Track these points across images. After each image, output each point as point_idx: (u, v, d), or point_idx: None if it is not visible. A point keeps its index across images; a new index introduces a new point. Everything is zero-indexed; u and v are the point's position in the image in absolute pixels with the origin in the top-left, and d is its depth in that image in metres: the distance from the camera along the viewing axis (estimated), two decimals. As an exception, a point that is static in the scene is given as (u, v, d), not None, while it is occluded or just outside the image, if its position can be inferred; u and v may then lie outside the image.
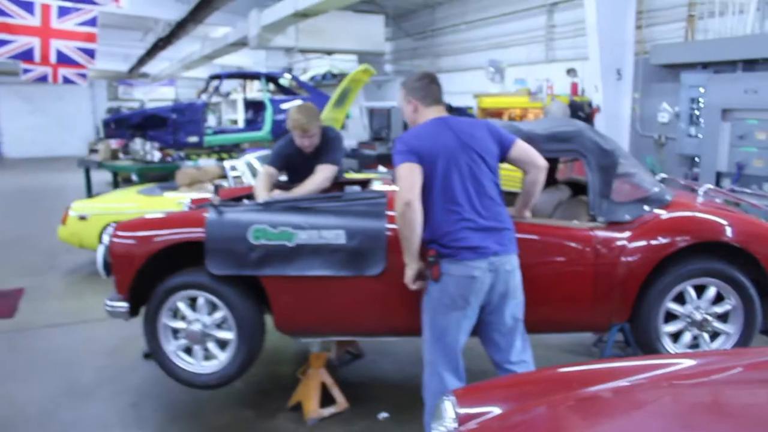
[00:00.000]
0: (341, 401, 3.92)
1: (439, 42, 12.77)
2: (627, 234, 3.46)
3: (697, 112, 7.01)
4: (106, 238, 3.69)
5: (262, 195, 4.08)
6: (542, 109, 8.07)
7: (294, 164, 4.46)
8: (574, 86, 8.31)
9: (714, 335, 3.65)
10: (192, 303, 3.68)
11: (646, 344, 3.57)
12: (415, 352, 4.86)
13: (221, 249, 3.46)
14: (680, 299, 3.59)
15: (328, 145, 4.39)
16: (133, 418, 3.90)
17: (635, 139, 7.95)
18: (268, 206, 3.61)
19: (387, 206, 3.53)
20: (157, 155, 10.45)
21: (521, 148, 3.15)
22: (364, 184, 4.48)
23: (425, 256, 3.02)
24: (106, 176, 12.87)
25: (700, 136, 6.93)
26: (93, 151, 12.20)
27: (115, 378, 4.45)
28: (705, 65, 7.03)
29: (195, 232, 3.54)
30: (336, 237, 3.41)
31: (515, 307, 3.07)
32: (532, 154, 3.17)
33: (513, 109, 9.08)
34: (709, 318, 3.55)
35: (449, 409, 2.12)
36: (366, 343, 4.86)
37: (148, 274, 3.69)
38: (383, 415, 3.87)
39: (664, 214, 3.57)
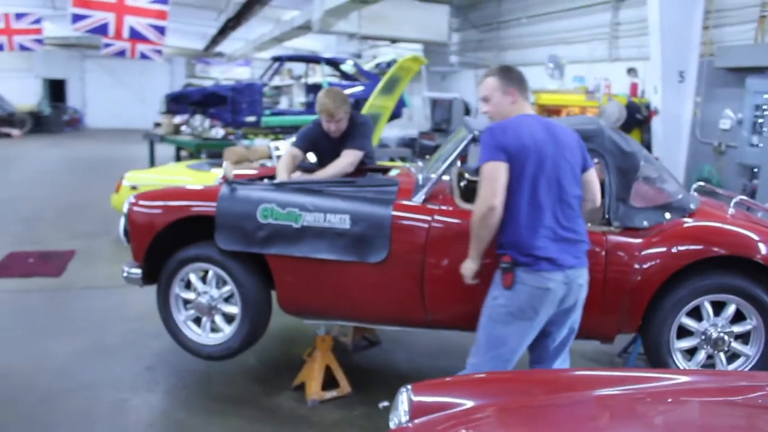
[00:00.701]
0: (344, 385, 3.94)
1: (505, 35, 12.54)
2: (642, 241, 3.31)
3: (761, 120, 6.62)
4: (126, 207, 3.82)
5: (281, 175, 4.12)
6: (598, 108, 7.81)
7: (321, 148, 4.49)
8: (634, 87, 8.00)
9: (733, 356, 3.46)
10: (204, 276, 3.77)
11: (656, 358, 3.42)
12: (431, 344, 4.86)
13: (230, 225, 3.53)
14: (699, 314, 3.42)
15: (355, 131, 4.39)
16: (144, 381, 4.06)
17: (694, 145, 7.59)
18: (280, 186, 3.65)
19: (396, 195, 3.51)
20: (220, 132, 10.75)
21: (593, 177, 3.03)
22: (386, 172, 4.46)
23: (495, 259, 2.90)
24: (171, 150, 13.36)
25: (761, 145, 6.55)
26: (157, 125, 12.65)
27: (138, 342, 4.64)
28: (774, 70, 6.63)
29: (208, 206, 3.61)
30: (340, 221, 3.41)
31: (576, 320, 2.98)
32: (596, 187, 3.05)
33: (571, 107, 8.84)
34: (726, 337, 3.36)
35: (404, 401, 2.10)
36: (383, 331, 4.86)
37: (168, 243, 3.80)
38: (384, 403, 3.78)
39: (685, 222, 3.40)
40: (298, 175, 4.21)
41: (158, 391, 3.95)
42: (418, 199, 3.48)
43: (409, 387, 2.14)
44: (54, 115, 24.35)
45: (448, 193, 3.54)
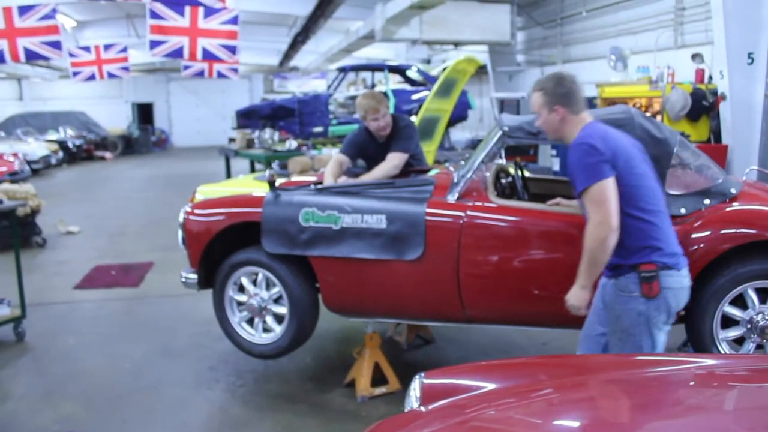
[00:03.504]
0: (393, 382, 4.05)
1: (569, 30, 12.30)
2: (678, 228, 3.23)
3: (838, 100, 6.23)
4: (181, 216, 4.09)
5: (328, 181, 4.29)
6: (661, 98, 7.56)
7: (367, 153, 4.63)
8: (700, 73, 7.68)
9: (785, 345, 3.32)
10: (255, 279, 3.98)
11: (701, 348, 3.33)
12: (483, 342, 4.89)
13: (275, 229, 3.72)
14: (743, 302, 3.30)
15: (399, 134, 4.50)
16: (206, 379, 4.32)
17: (768, 130, 7.21)
18: (321, 191, 3.81)
19: (431, 193, 3.59)
20: (293, 144, 11.13)
21: None
22: (426, 173, 4.54)
23: (625, 270, 2.69)
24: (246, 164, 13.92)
25: (838, 127, 6.16)
26: (232, 140, 13.21)
27: (203, 345, 4.93)
28: None
29: (255, 212, 3.82)
30: (377, 221, 3.54)
31: None
32: None
33: (638, 98, 8.58)
34: (774, 325, 3.23)
35: (416, 387, 2.19)
36: (437, 329, 4.94)
37: (223, 249, 4.04)
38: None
39: (724, 207, 3.30)
40: (344, 180, 4.37)
41: (218, 389, 4.19)
42: (452, 196, 3.55)
43: (422, 374, 2.23)
44: (143, 136, 25.88)
45: (482, 190, 3.59)
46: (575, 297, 2.77)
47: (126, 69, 17.55)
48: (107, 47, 16.73)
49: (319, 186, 3.94)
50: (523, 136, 3.49)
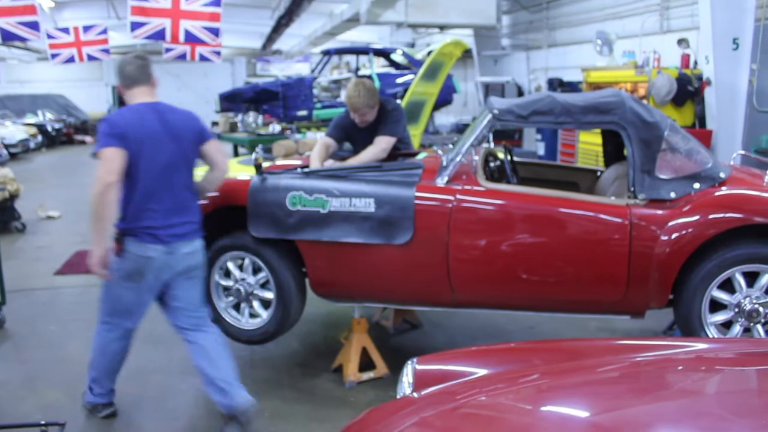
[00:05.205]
0: (381, 367, 4.03)
1: (555, 14, 12.27)
2: (667, 212, 3.24)
3: (821, 85, 6.27)
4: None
5: (314, 164, 4.23)
6: (647, 82, 7.57)
7: (354, 136, 4.58)
8: (685, 58, 7.69)
9: (773, 327, 3.34)
10: (241, 263, 3.93)
11: (689, 332, 3.34)
12: (470, 326, 4.89)
13: (261, 213, 3.66)
14: (731, 287, 3.32)
15: (386, 117, 4.45)
16: (192, 366, 4.25)
17: (752, 114, 7.24)
18: (308, 174, 3.76)
19: (420, 177, 3.56)
20: (277, 128, 11.02)
21: (212, 147, 3.41)
22: (414, 157, 4.50)
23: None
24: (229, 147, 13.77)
25: (821, 112, 6.20)
26: (215, 123, 13.07)
27: (188, 330, 4.86)
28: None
29: (241, 197, 3.76)
30: (366, 205, 3.49)
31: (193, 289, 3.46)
32: (217, 157, 3.42)
33: (623, 83, 8.59)
34: (761, 309, 3.25)
35: (409, 373, 2.17)
36: (423, 313, 4.93)
37: (209, 234, 3.96)
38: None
39: (714, 191, 3.30)
40: (330, 164, 4.31)
41: (204, 374, 4.14)
42: (441, 180, 3.52)
43: (414, 359, 2.21)
44: (124, 120, 25.39)
45: (472, 174, 3.56)
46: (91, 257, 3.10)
47: (106, 51, 17.23)
48: (87, 29, 16.40)
49: (306, 169, 3.88)
50: (513, 119, 3.46)
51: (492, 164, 4.23)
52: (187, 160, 3.30)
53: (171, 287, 3.32)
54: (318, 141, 4.61)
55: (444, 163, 3.61)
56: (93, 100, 26.22)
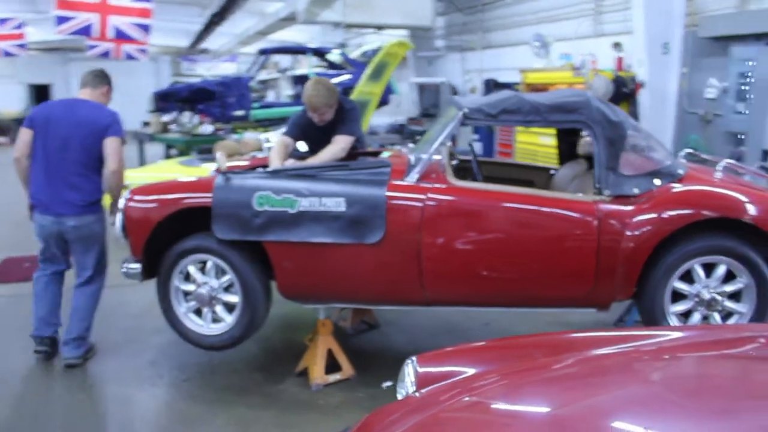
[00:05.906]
0: (347, 368, 3.98)
1: (489, 16, 12.51)
2: (632, 208, 3.36)
3: (746, 88, 6.65)
4: (122, 203, 3.84)
5: (275, 164, 4.15)
6: (584, 84, 7.83)
7: (311, 135, 4.51)
8: (620, 61, 8.02)
9: (727, 315, 3.51)
10: (202, 267, 3.80)
11: (652, 323, 3.48)
12: (428, 324, 4.90)
13: (227, 214, 3.55)
14: (690, 278, 3.47)
15: (345, 116, 4.41)
16: (148, 375, 4.09)
17: (682, 116, 7.61)
18: (274, 174, 3.67)
19: (389, 175, 3.54)
20: (209, 128, 10.68)
21: (107, 144, 4.07)
22: (376, 155, 4.49)
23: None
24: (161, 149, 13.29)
25: (746, 112, 6.58)
26: (146, 124, 12.60)
27: (139, 339, 4.66)
28: (759, 36, 6.64)
29: (204, 197, 3.63)
30: (336, 204, 3.45)
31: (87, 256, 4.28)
32: (107, 155, 4.07)
33: (559, 84, 8.85)
34: (719, 297, 3.42)
35: (410, 372, 2.14)
36: (380, 313, 4.91)
37: (165, 237, 3.81)
38: (387, 383, 3.90)
39: (674, 187, 3.44)
40: (291, 163, 4.23)
41: (162, 384, 3.98)
42: (412, 178, 3.52)
43: (414, 359, 2.18)
44: (41, 120, 24.12)
45: (441, 172, 3.57)
46: None
47: (23, 47, 16.33)
48: (1, 22, 15.49)
49: (272, 169, 3.79)
50: (483, 117, 3.49)
51: (453, 163, 4.26)
52: (84, 146, 4.00)
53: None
54: (276, 141, 4.52)
55: (413, 162, 3.60)
56: (6, 98, 24.73)
